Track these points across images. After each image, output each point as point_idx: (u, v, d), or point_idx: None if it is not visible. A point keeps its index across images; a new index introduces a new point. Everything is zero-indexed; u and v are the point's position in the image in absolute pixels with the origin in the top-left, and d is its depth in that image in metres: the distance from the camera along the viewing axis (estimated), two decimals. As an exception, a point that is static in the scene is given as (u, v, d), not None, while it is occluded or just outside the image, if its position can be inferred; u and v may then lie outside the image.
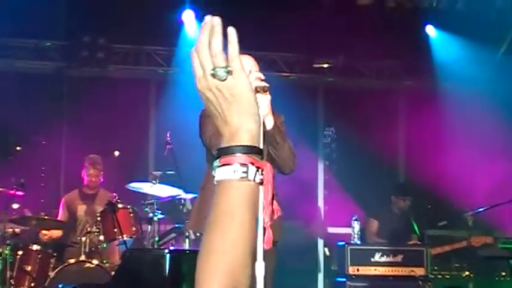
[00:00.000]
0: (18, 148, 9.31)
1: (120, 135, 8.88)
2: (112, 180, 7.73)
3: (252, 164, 1.18)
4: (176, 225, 7.33)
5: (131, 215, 6.95)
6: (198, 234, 6.89)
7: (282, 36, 8.61)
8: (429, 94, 9.20)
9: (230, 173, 1.17)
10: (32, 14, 8.08)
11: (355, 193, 9.06)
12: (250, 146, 1.19)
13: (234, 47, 1.21)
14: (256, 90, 4.52)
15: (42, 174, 8.71)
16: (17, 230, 6.98)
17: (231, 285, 1.16)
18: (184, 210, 7.04)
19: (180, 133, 7.52)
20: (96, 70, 8.89)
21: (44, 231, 7.22)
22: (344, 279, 6.95)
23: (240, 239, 1.17)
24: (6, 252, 6.65)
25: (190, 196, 7.07)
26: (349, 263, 6.94)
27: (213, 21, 1.21)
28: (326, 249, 9.09)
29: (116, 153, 8.55)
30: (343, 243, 7.11)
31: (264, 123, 4.44)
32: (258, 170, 1.20)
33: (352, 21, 8.53)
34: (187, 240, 7.05)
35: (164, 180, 7.17)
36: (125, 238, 6.72)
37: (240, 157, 1.18)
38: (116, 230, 6.77)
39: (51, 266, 6.75)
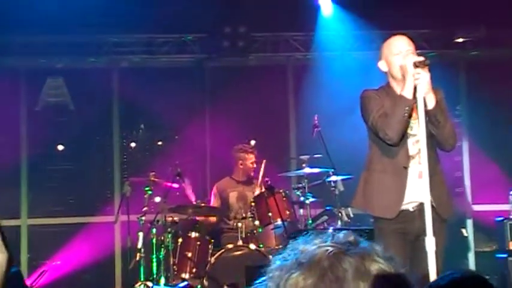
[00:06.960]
0: (159, 143, 9.62)
1: (261, 122, 9.01)
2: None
3: None
4: (327, 208, 7.34)
5: (284, 199, 7.05)
6: (351, 216, 6.93)
7: (418, 12, 8.40)
8: None
9: None
10: (171, 9, 8.28)
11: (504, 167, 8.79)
12: None
13: None
14: (416, 65, 4.41)
15: (189, 165, 8.92)
16: (175, 218, 7.23)
17: None
18: (336, 192, 7.04)
19: (323, 116, 7.53)
20: (236, 59, 9.03)
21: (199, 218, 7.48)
22: (505, 255, 6.79)
23: None
24: (168, 240, 6.92)
25: (340, 178, 7.07)
26: (509, 239, 6.79)
27: None
28: (464, 230, 8.84)
29: (252, 142, 8.70)
30: (501, 218, 6.94)
31: (425, 101, 4.32)
32: None
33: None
34: (339, 222, 7.07)
35: (312, 164, 7.20)
36: (280, 222, 6.82)
37: None
38: (270, 214, 6.89)
39: (210, 252, 6.96)
